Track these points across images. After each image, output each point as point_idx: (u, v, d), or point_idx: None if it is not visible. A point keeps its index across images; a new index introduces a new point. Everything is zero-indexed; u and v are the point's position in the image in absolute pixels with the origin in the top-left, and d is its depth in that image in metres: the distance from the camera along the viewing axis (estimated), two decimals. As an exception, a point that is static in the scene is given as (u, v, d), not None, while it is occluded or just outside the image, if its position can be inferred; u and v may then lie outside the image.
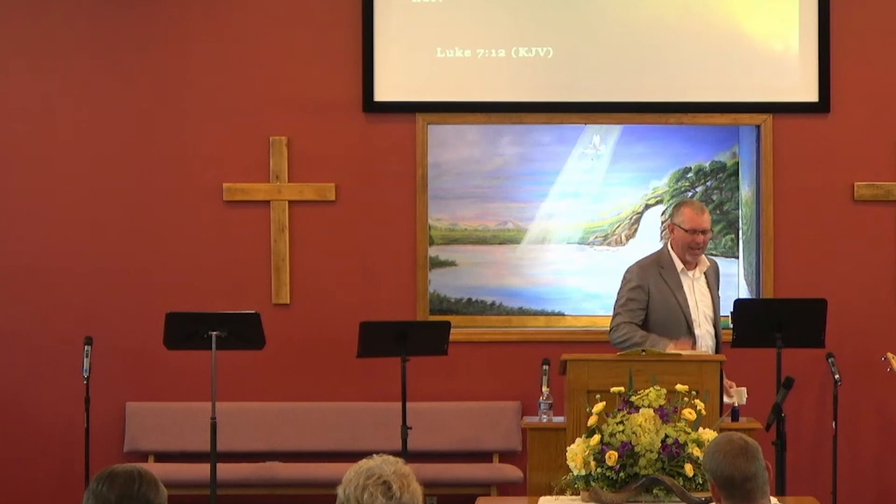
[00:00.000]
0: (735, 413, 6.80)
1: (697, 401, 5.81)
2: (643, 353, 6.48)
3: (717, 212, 9.16)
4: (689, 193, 9.18)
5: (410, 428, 7.71)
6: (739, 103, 8.54)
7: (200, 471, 7.98)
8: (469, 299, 9.28)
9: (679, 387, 5.84)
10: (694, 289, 7.14)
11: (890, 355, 7.75)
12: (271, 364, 8.47)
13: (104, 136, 8.59)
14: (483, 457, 8.53)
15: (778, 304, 7.94)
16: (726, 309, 7.54)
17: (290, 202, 8.57)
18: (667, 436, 5.63)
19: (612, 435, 5.67)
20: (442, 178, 9.15)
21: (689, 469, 5.57)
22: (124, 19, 8.56)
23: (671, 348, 6.78)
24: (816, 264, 8.52)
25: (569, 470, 5.77)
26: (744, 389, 7.02)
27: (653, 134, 9.20)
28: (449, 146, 9.19)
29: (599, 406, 5.85)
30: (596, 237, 9.36)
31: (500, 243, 9.33)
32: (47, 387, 8.55)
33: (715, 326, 7.19)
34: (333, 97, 8.56)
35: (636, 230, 9.34)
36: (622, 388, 5.89)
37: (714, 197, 9.24)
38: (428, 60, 8.54)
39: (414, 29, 8.52)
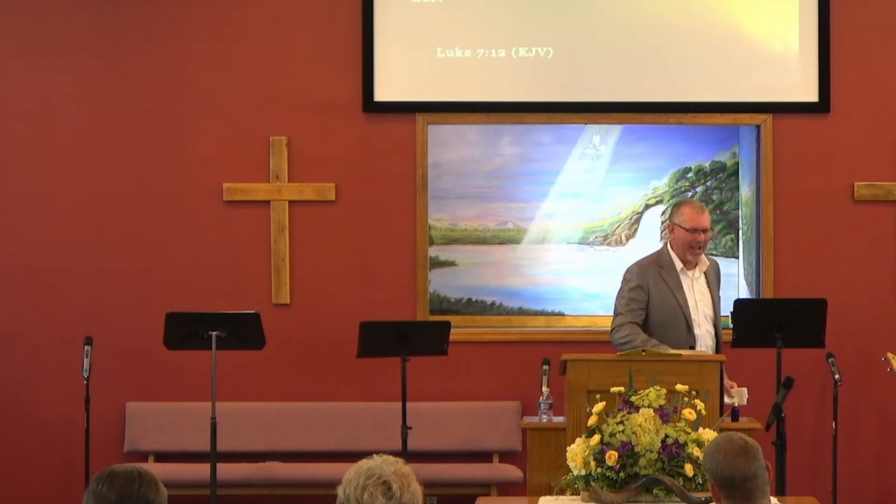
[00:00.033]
0: (735, 413, 6.80)
1: (697, 401, 5.81)
2: (643, 353, 6.48)
3: (717, 212, 9.16)
4: (689, 193, 9.18)
5: (410, 428, 7.71)
6: (739, 103, 8.54)
7: (200, 471, 7.98)
8: (469, 299, 9.28)
9: (679, 387, 5.84)
10: (693, 289, 7.14)
11: (890, 355, 7.75)
12: (271, 364, 8.47)
13: (104, 136, 8.59)
14: (483, 457, 8.53)
15: (778, 304, 7.94)
16: (727, 309, 7.54)
17: (290, 202, 8.57)
18: (667, 436, 5.63)
19: (612, 435, 5.67)
20: (442, 178, 9.15)
21: (689, 469, 5.57)
22: (124, 19, 8.56)
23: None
24: (816, 264, 8.52)
25: (569, 470, 5.77)
26: (744, 390, 7.02)
27: (653, 134, 9.20)
28: (449, 146, 9.19)
29: (599, 406, 5.85)
30: (596, 237, 9.36)
31: (500, 243, 9.33)
32: (47, 387, 8.55)
33: (715, 326, 7.18)
34: (333, 97, 8.56)
35: (636, 230, 9.34)
36: (622, 388, 5.89)
37: (714, 197, 9.24)
38: (428, 60, 8.54)
39: (414, 29, 8.52)
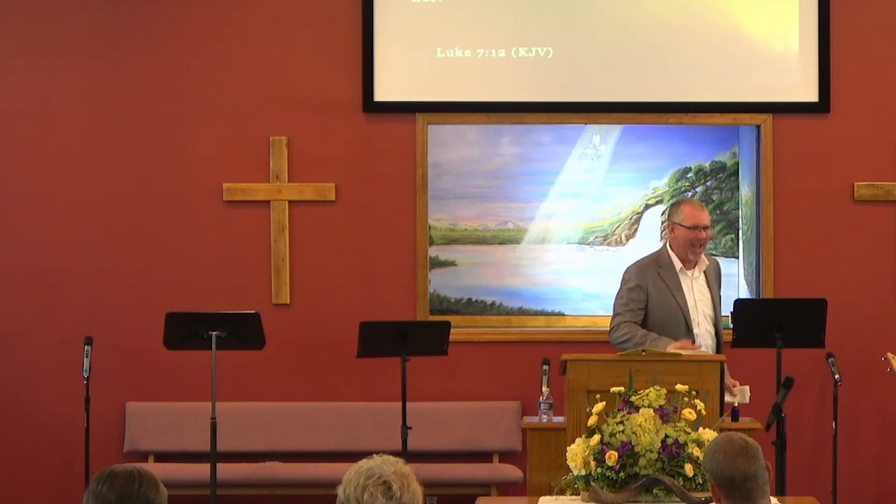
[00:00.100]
0: (735, 413, 6.80)
1: (697, 401, 5.81)
2: (643, 353, 6.48)
3: (717, 212, 9.16)
4: (689, 193, 9.18)
5: (410, 428, 7.71)
6: (739, 103, 8.54)
7: (200, 471, 7.98)
8: (469, 299, 9.28)
9: (679, 387, 5.84)
10: (693, 288, 7.13)
11: (890, 355, 7.75)
12: (271, 364, 8.47)
13: (104, 136, 8.59)
14: (483, 457, 8.53)
15: (778, 304, 7.94)
16: (727, 309, 7.54)
17: (290, 202, 8.57)
18: (667, 436, 5.63)
19: (612, 435, 5.67)
20: (442, 178, 9.15)
21: (689, 469, 5.57)
22: (124, 19, 8.56)
23: (672, 348, 6.79)
24: (816, 264, 8.52)
25: (569, 470, 5.77)
26: (746, 388, 7.02)
27: (653, 134, 9.20)
28: (449, 146, 9.19)
29: (599, 406, 5.85)
30: (596, 237, 9.36)
31: (500, 243, 9.33)
32: (47, 387, 8.55)
33: (715, 326, 7.18)
34: (333, 97, 8.56)
35: (636, 230, 9.34)
36: (622, 388, 5.89)
37: (714, 197, 9.24)
38: (428, 60, 8.53)
39: (414, 29, 8.52)
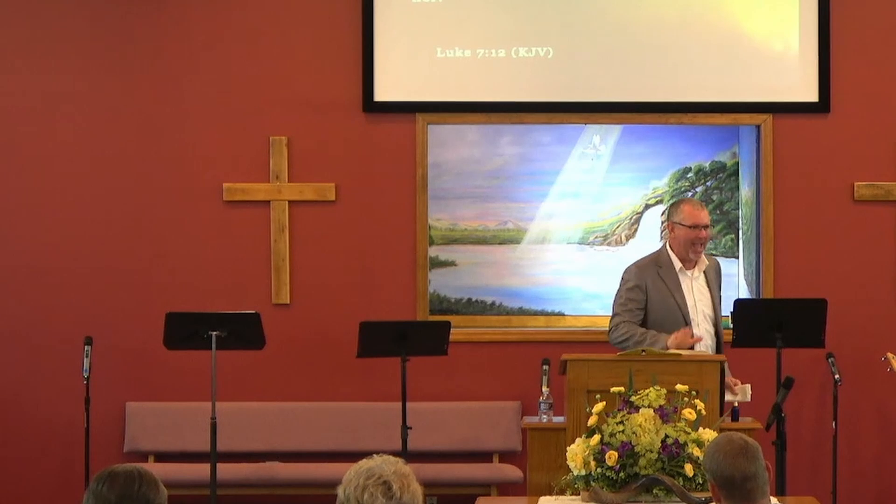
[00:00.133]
0: (735, 413, 6.80)
1: (697, 401, 5.81)
2: (643, 353, 6.48)
3: (717, 212, 9.16)
4: (689, 193, 9.18)
5: (410, 428, 7.71)
6: (739, 103, 8.54)
7: (200, 471, 7.98)
8: (469, 299, 9.28)
9: (679, 387, 5.84)
10: (693, 288, 7.13)
11: (890, 355, 7.75)
12: (271, 364, 8.47)
13: (104, 135, 8.59)
14: (483, 457, 8.53)
15: (778, 304, 7.94)
16: (727, 309, 7.54)
17: (290, 202, 8.57)
18: (667, 436, 5.63)
19: (612, 435, 5.67)
20: (442, 178, 9.15)
21: (689, 469, 5.57)
22: (125, 20, 8.56)
23: (671, 341, 6.79)
24: (816, 264, 8.52)
25: (569, 470, 5.77)
26: (748, 386, 7.02)
27: (653, 134, 9.20)
28: (449, 146, 9.19)
29: (599, 406, 5.85)
30: (596, 237, 9.36)
31: (500, 243, 9.33)
32: (47, 387, 8.55)
33: (715, 326, 7.18)
34: (333, 97, 8.56)
35: (636, 230, 9.34)
36: (622, 388, 5.89)
37: (714, 197, 9.24)
38: (428, 60, 8.54)
39: (414, 29, 8.52)
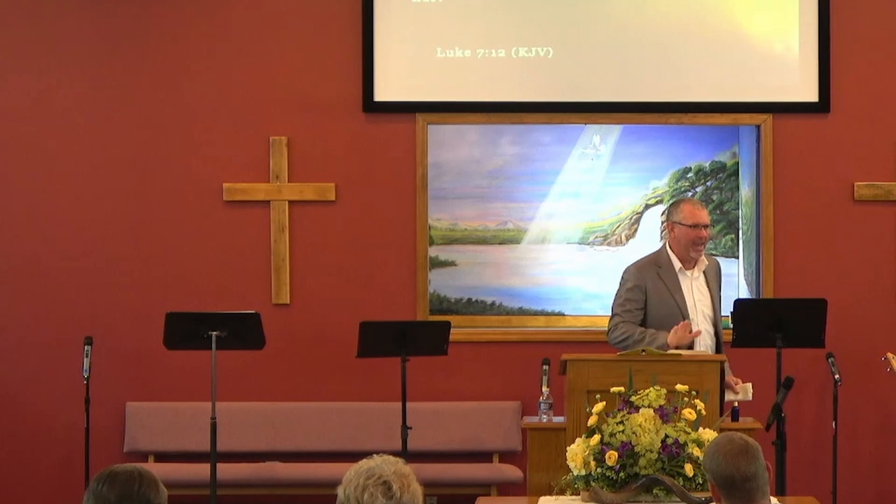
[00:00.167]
0: (735, 413, 6.80)
1: (697, 401, 5.81)
2: (643, 353, 6.48)
3: (717, 212, 9.16)
4: (689, 193, 9.19)
5: (410, 428, 7.71)
6: (739, 103, 8.53)
7: (200, 471, 7.98)
8: (469, 299, 9.28)
9: (679, 387, 5.84)
10: (692, 288, 7.13)
11: (890, 355, 7.75)
12: (271, 364, 8.47)
13: (104, 136, 8.58)
14: (483, 457, 8.53)
15: (778, 304, 7.94)
16: (727, 309, 7.54)
17: (290, 202, 8.57)
18: (667, 436, 5.63)
19: (612, 435, 5.67)
20: (442, 178, 9.15)
21: (689, 469, 5.56)
22: (125, 20, 8.56)
23: (671, 338, 6.79)
24: (816, 264, 8.52)
25: (569, 470, 5.77)
26: (749, 385, 7.03)
27: (653, 134, 9.20)
28: (449, 146, 9.19)
29: (599, 406, 5.85)
30: (596, 237, 9.36)
31: (500, 243, 9.33)
32: (47, 387, 8.55)
33: (715, 326, 7.18)
34: (333, 97, 8.56)
35: (636, 230, 9.34)
36: (622, 388, 5.89)
37: (714, 197, 9.24)
38: (428, 60, 8.53)
39: (414, 29, 8.52)
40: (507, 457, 8.53)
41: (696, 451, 5.55)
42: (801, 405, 8.36)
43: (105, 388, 8.35)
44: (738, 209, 9.14)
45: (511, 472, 8.32)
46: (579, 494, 5.73)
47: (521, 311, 9.25)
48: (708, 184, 9.27)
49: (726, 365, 6.80)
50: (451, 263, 9.28)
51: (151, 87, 8.57)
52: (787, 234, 8.55)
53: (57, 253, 8.56)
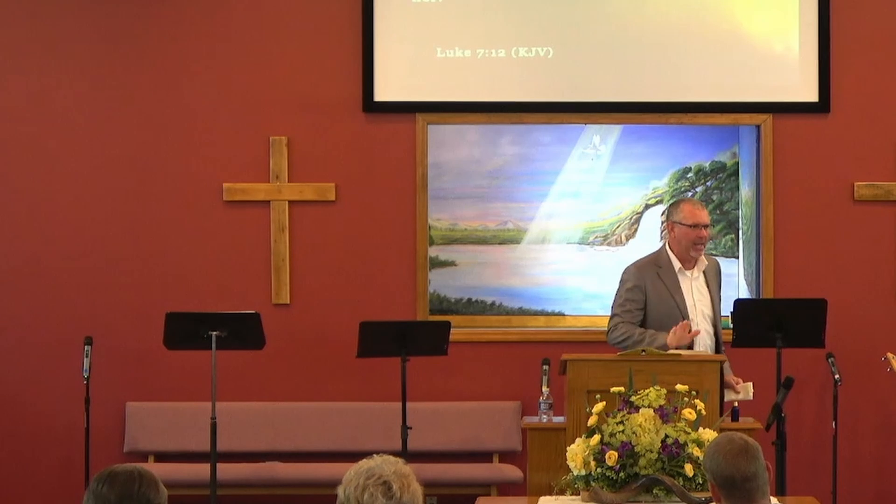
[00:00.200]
0: (735, 413, 6.80)
1: (697, 401, 5.81)
2: (643, 353, 6.48)
3: (717, 212, 9.16)
4: (689, 193, 9.19)
5: (410, 428, 7.71)
6: (739, 103, 8.53)
7: (200, 471, 7.98)
8: (469, 299, 9.28)
9: (679, 387, 5.84)
10: (692, 288, 7.13)
11: (890, 355, 7.75)
12: (271, 364, 8.47)
13: (104, 136, 8.59)
14: (483, 457, 8.53)
15: (778, 304, 7.94)
16: (727, 309, 7.54)
17: (290, 202, 8.57)
18: (667, 436, 5.63)
19: (612, 435, 5.67)
20: (442, 178, 9.15)
21: (689, 469, 5.56)
22: (125, 20, 8.56)
23: (671, 338, 6.79)
24: (816, 264, 8.52)
25: (569, 470, 5.77)
26: (750, 384, 7.02)
27: (653, 134, 9.20)
28: (449, 146, 9.19)
29: (599, 406, 5.85)
30: (596, 237, 9.36)
31: (500, 243, 9.33)
32: (47, 387, 8.55)
33: (714, 326, 7.18)
34: (333, 97, 8.56)
35: (636, 230, 9.34)
36: (622, 388, 5.89)
37: (714, 197, 9.24)
38: (428, 60, 8.53)
39: (414, 29, 8.52)
40: (507, 457, 8.53)
41: (696, 451, 5.55)
42: (801, 405, 8.36)
43: (105, 388, 8.35)
44: (738, 209, 9.14)
45: (511, 472, 8.32)
46: (579, 494, 5.74)
47: (521, 311, 9.25)
48: (708, 184, 9.27)
49: (727, 365, 6.80)
50: (451, 263, 9.28)
51: (151, 87, 8.57)
52: (787, 234, 8.55)
53: (57, 253, 8.57)
